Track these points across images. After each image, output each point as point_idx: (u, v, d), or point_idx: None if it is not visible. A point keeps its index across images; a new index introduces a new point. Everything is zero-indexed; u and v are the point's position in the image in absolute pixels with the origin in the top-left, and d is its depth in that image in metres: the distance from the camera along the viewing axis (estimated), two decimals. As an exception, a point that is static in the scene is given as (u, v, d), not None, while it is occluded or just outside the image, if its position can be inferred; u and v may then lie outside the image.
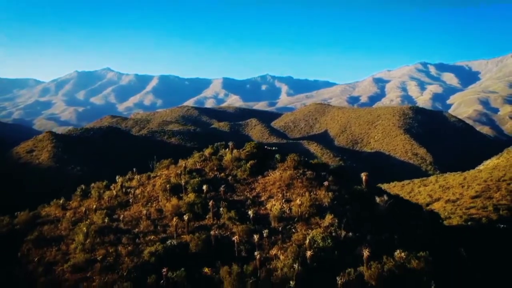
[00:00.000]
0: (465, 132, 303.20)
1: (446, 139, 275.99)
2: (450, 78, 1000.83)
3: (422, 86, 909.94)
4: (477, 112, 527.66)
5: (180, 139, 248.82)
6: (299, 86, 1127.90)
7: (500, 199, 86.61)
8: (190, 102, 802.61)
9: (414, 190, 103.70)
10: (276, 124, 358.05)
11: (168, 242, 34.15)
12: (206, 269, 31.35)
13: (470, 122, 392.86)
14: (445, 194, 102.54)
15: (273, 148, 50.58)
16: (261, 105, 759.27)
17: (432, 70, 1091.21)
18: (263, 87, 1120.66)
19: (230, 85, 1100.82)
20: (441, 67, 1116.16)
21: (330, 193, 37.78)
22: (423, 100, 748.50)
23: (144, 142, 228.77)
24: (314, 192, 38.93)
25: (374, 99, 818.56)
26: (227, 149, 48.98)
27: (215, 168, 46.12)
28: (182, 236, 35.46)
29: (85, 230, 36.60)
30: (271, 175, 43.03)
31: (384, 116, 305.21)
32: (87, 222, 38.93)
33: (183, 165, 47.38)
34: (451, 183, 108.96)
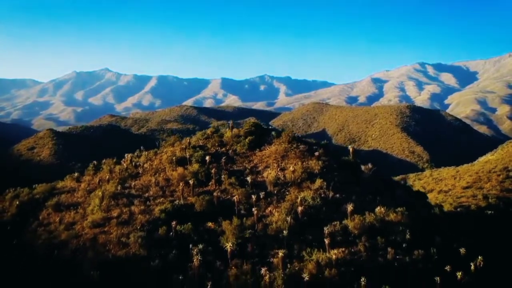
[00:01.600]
0: (462, 131, 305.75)
1: (443, 138, 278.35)
2: (448, 78, 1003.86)
3: (420, 86, 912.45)
4: (474, 111, 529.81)
5: (179, 138, 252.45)
6: (298, 86, 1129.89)
7: (490, 189, 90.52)
8: (188, 102, 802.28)
9: (408, 183, 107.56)
10: (275, 123, 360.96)
11: (176, 202, 38.43)
12: (209, 224, 35.69)
13: (467, 121, 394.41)
14: (438, 185, 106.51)
15: (270, 127, 54.69)
16: (259, 105, 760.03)
17: (430, 70, 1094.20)
18: (262, 87, 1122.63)
19: (229, 85, 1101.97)
20: (439, 67, 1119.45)
21: (320, 162, 42.07)
22: (421, 100, 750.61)
23: (144, 140, 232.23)
24: (306, 162, 43.23)
25: (372, 99, 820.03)
26: (227, 128, 53.27)
27: (216, 144, 50.48)
28: (188, 198, 39.70)
29: (101, 195, 40.76)
30: (267, 149, 47.34)
31: (381, 115, 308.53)
32: (101, 189, 43.07)
33: (187, 141, 51.67)
34: (444, 176, 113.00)
